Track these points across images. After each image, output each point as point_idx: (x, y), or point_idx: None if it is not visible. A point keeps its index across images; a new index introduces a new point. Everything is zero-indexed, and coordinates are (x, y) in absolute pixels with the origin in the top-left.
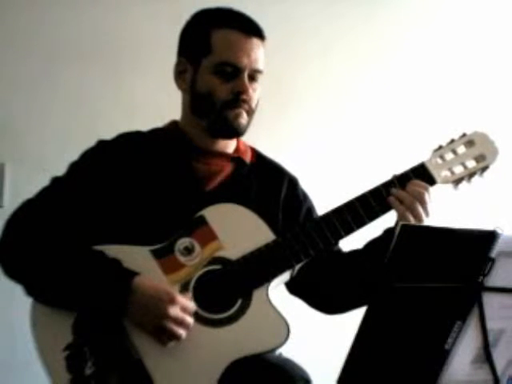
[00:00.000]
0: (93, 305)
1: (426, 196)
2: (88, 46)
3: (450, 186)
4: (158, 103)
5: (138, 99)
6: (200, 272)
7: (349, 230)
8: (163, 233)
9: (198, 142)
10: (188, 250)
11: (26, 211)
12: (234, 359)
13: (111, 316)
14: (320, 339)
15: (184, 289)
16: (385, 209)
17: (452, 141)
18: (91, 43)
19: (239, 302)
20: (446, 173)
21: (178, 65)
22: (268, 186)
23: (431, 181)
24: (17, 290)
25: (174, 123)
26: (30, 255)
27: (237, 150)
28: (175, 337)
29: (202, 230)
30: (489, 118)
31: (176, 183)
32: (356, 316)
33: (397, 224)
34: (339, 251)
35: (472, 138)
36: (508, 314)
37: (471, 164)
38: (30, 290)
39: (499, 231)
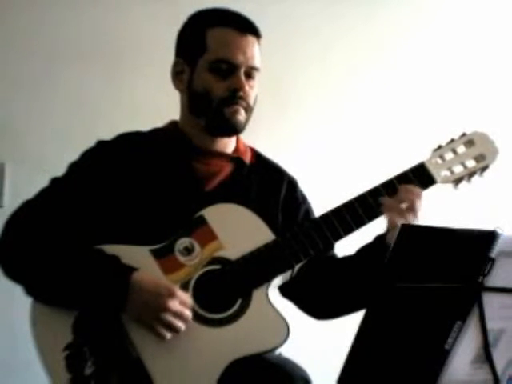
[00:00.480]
0: (92, 300)
1: (417, 203)
2: (88, 46)
3: (449, 186)
4: (158, 103)
5: (138, 99)
6: (200, 272)
7: (348, 230)
8: (163, 233)
9: (198, 142)
10: (188, 250)
11: (26, 212)
12: (234, 359)
13: (110, 311)
14: (320, 339)
15: (184, 289)
16: None
17: (452, 140)
18: (91, 43)
19: (239, 301)
20: (445, 172)
21: (176, 65)
22: (268, 187)
23: (431, 180)
24: (17, 290)
25: (173, 123)
26: (29, 255)
27: (236, 150)
28: (174, 329)
29: (201, 230)
30: (489, 117)
31: (176, 183)
32: (356, 316)
33: (388, 230)
34: (333, 256)
35: (472, 138)
36: (508, 314)
37: (471, 164)
38: (29, 290)
39: (499, 231)
